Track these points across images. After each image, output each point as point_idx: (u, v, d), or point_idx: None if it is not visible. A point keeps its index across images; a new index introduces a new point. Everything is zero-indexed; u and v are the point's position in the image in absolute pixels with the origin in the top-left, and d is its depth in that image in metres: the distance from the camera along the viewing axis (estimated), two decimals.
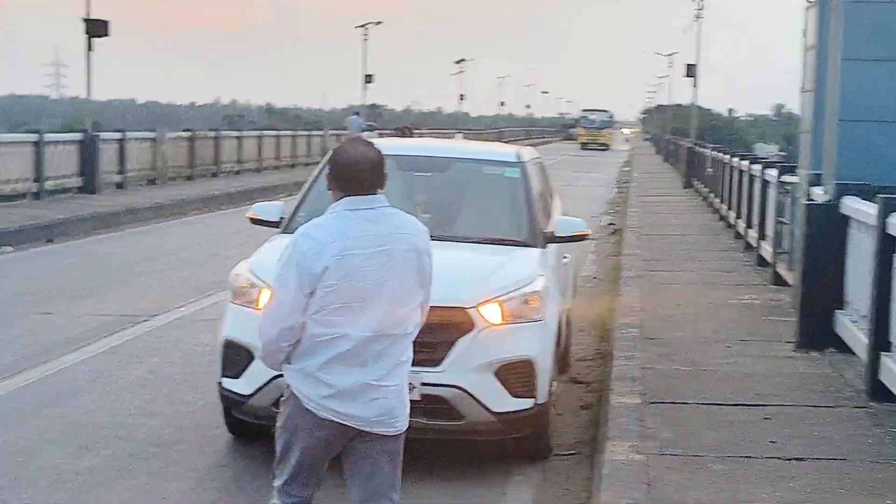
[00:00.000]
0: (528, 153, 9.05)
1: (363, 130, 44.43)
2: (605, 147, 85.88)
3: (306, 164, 38.28)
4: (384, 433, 4.58)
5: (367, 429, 4.55)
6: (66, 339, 10.46)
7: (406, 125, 14.69)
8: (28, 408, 8.18)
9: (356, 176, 4.53)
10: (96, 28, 25.91)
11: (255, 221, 8.27)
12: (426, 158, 8.87)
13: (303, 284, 4.42)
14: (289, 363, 4.59)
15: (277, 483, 4.74)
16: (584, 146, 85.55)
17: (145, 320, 11.47)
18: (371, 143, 4.73)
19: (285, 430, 4.64)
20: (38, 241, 18.18)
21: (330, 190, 4.62)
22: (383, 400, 4.52)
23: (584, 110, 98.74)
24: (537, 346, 7.04)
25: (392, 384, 4.55)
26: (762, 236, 15.38)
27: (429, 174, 8.59)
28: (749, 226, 17.13)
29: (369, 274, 4.45)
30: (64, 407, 8.24)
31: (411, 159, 8.84)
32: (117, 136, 26.88)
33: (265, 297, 6.36)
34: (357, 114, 50.29)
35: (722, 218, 22.26)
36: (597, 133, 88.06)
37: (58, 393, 8.62)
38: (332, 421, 4.51)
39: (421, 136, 38.99)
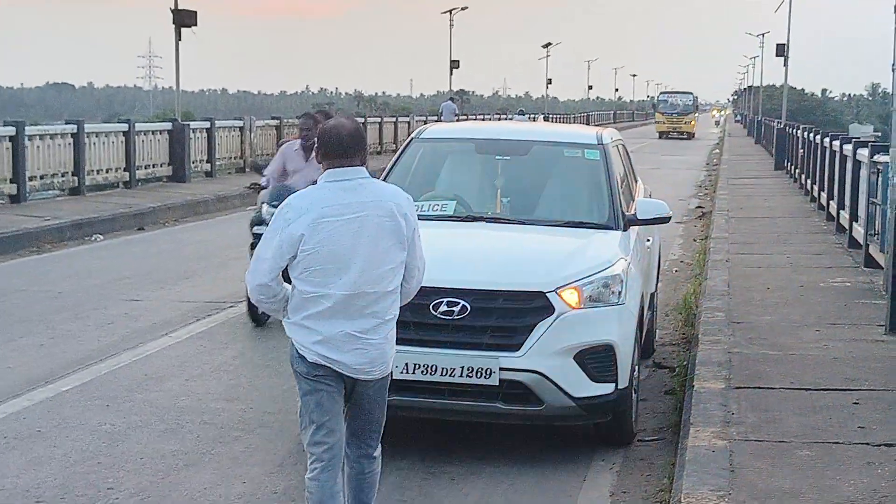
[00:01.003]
0: (608, 134, 8.93)
1: (456, 116, 44.55)
2: (688, 136, 71.74)
3: (393, 151, 38.35)
4: (366, 379, 5.00)
5: (351, 375, 4.96)
6: (153, 325, 10.62)
7: (320, 110, 13.12)
8: (116, 392, 8.32)
9: (334, 143, 4.93)
10: (184, 18, 26.26)
11: None
12: (506, 142, 8.80)
13: (283, 248, 4.85)
14: (288, 318, 5.01)
15: (305, 441, 5.05)
16: (662, 135, 71.90)
17: (231, 306, 11.59)
18: (351, 118, 5.13)
19: (296, 379, 5.07)
20: (129, 230, 18.50)
21: (320, 163, 5.01)
22: (365, 351, 4.94)
23: (664, 93, 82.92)
24: (618, 331, 6.95)
25: (375, 338, 4.96)
26: (854, 217, 15.05)
27: (508, 157, 8.52)
28: (841, 207, 16.77)
29: (343, 238, 4.85)
30: (150, 391, 8.36)
31: (491, 143, 8.79)
32: (205, 125, 27.22)
33: None
34: (452, 99, 50.53)
35: (813, 200, 21.85)
36: (678, 119, 73.68)
37: (145, 378, 8.75)
38: (322, 365, 4.92)
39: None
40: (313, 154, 8.50)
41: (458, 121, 38.73)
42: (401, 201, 5.02)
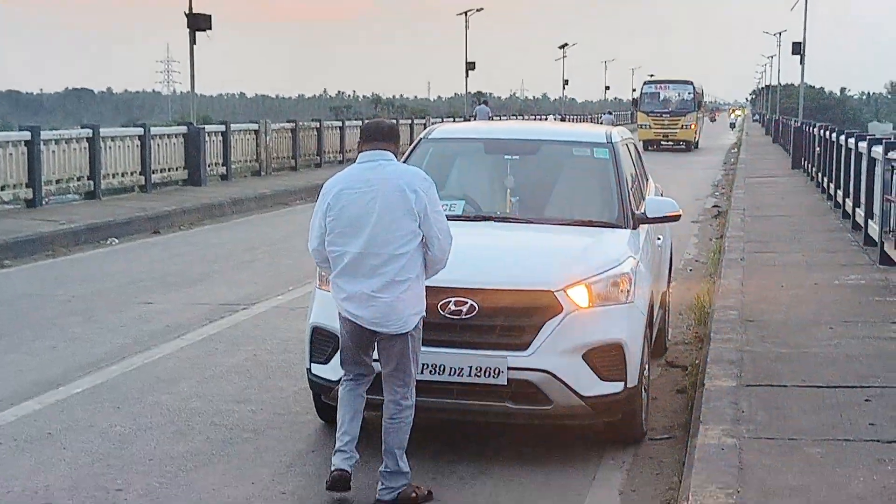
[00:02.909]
0: (618, 133, 8.91)
1: (490, 118, 44.66)
2: (686, 146, 52.25)
3: None
4: (383, 332, 6.01)
5: (369, 327, 6.02)
6: (167, 328, 10.64)
7: None
8: (128, 395, 8.33)
9: (373, 129, 6.23)
10: (199, 22, 26.35)
11: None
12: (515, 141, 8.79)
13: (322, 216, 6.14)
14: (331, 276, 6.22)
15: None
16: (648, 145, 50.46)
17: (244, 308, 11.62)
18: (390, 120, 6.19)
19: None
20: (144, 233, 18.57)
21: (361, 150, 6.25)
22: (376, 307, 5.97)
23: (649, 82, 57.48)
24: (626, 329, 6.92)
25: (385, 297, 5.95)
26: (869, 215, 14.98)
27: (517, 157, 8.50)
28: (856, 205, 16.70)
29: (358, 206, 6.00)
30: (162, 394, 8.37)
31: (499, 142, 8.78)
32: (221, 128, 27.28)
33: None
34: (485, 102, 50.65)
35: (830, 198, 21.76)
36: (671, 122, 52.32)
37: (156, 380, 8.76)
38: (348, 319, 6.08)
39: None
40: None
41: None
42: (411, 179, 6.04)
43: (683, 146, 51.98)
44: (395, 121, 37.20)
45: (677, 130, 52.25)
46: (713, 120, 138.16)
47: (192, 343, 10.05)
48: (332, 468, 6.22)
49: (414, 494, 6.13)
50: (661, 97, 54.40)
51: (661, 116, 52.70)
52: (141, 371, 9.04)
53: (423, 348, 6.57)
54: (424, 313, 6.16)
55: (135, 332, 10.45)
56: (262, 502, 6.20)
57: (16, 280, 13.66)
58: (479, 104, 47.74)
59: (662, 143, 52.37)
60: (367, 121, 6.30)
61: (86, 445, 7.13)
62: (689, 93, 54.47)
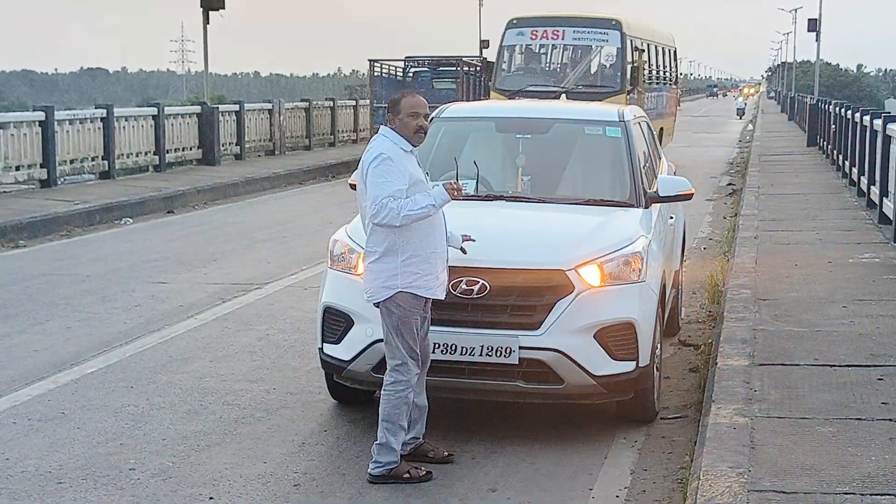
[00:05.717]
0: (630, 112, 8.86)
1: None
2: None
3: None
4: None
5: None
6: (180, 308, 10.66)
7: None
8: (141, 374, 8.36)
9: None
10: (212, 1, 26.27)
11: (354, 187, 8.27)
12: (526, 120, 8.76)
13: None
14: None
15: None
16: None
17: (257, 288, 11.63)
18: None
19: None
20: (158, 213, 18.61)
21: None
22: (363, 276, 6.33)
23: (520, 22, 23.47)
24: (638, 308, 6.90)
25: (365, 266, 6.25)
26: (884, 192, 14.90)
27: (529, 136, 8.47)
28: (871, 182, 16.61)
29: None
30: (175, 373, 8.40)
31: (511, 121, 8.75)
32: (234, 108, 27.26)
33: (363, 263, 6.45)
34: None
35: (845, 175, 21.65)
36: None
37: (170, 359, 8.79)
38: None
39: None
40: None
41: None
42: (366, 156, 6.22)
43: None
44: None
45: None
46: (724, 95, 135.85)
47: (205, 323, 10.08)
48: None
49: (407, 474, 6.16)
50: (545, 60, 24.74)
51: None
52: (154, 350, 9.07)
53: (434, 327, 6.59)
54: (392, 292, 6.11)
55: (148, 312, 10.48)
56: (274, 481, 6.22)
57: (30, 260, 13.71)
58: None
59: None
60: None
61: (99, 425, 7.16)
62: (615, 49, 23.59)
